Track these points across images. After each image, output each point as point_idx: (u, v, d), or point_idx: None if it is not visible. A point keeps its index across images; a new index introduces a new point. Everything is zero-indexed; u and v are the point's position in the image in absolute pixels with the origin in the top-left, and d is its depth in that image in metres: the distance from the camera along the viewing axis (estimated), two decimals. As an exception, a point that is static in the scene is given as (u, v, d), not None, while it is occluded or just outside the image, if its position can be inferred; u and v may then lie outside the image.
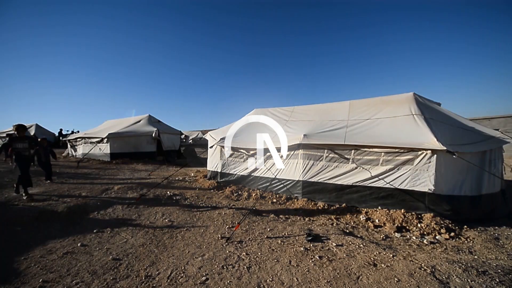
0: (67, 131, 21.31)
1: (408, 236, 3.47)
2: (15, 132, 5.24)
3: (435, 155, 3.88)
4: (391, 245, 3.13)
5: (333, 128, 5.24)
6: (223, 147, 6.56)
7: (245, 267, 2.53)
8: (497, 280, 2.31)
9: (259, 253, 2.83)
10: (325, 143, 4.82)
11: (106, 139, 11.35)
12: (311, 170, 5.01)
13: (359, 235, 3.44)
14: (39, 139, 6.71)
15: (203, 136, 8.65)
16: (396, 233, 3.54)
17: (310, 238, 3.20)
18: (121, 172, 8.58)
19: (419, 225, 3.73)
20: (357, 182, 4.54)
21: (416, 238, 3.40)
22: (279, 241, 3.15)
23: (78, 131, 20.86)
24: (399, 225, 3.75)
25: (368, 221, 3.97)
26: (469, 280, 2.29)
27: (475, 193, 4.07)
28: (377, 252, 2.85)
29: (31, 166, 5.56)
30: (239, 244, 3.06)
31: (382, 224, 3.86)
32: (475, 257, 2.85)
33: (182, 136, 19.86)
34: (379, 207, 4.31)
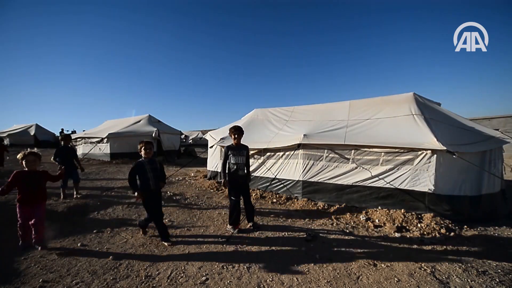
0: (67, 131, 21.33)
1: (408, 236, 3.46)
2: (233, 137, 3.42)
3: (435, 155, 3.88)
4: (391, 245, 3.13)
5: (333, 128, 5.24)
6: (223, 147, 6.56)
7: (245, 267, 2.53)
8: (497, 280, 2.31)
9: (259, 253, 2.83)
10: (325, 143, 4.82)
11: (106, 139, 11.34)
12: (311, 170, 5.01)
13: (359, 235, 3.44)
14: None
15: (203, 136, 8.65)
16: (396, 233, 3.54)
17: (310, 238, 3.20)
18: (121, 172, 8.57)
19: (419, 225, 3.72)
20: (357, 182, 4.54)
21: (416, 238, 3.40)
22: (279, 241, 3.15)
23: (74, 131, 20.88)
24: (399, 225, 3.75)
25: (368, 221, 3.97)
26: (469, 280, 2.29)
27: (475, 193, 4.07)
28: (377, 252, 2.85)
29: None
30: (239, 244, 3.06)
31: (382, 224, 3.85)
32: (475, 257, 2.85)
33: (182, 136, 19.85)
34: (379, 207, 4.31)
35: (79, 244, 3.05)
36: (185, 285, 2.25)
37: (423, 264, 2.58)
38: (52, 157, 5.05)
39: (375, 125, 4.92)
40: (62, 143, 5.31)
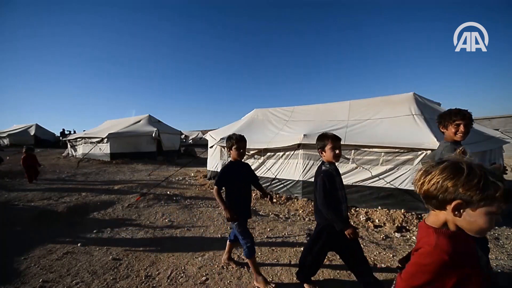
0: (68, 131, 21.37)
1: (408, 236, 3.46)
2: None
3: (435, 155, 3.88)
4: (391, 245, 3.13)
5: (333, 128, 5.23)
6: (223, 147, 6.56)
7: (245, 267, 2.53)
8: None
9: (259, 253, 2.82)
10: (325, 143, 4.81)
11: (106, 139, 11.35)
12: (311, 170, 5.01)
13: (359, 235, 3.44)
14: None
15: (203, 136, 8.66)
16: (396, 233, 3.54)
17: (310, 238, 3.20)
18: (121, 172, 8.58)
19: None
20: (357, 182, 4.54)
21: (416, 238, 3.40)
22: (279, 241, 3.15)
23: (73, 131, 20.91)
24: (399, 225, 3.75)
25: (368, 221, 3.97)
26: (469, 280, 2.28)
27: (475, 193, 4.06)
28: (377, 252, 2.85)
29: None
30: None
31: (382, 224, 3.85)
32: (475, 257, 2.84)
33: (182, 136, 19.85)
34: (379, 207, 4.30)
35: (79, 244, 3.04)
36: (185, 285, 2.25)
37: (423, 264, 2.57)
38: (215, 186, 2.19)
39: (375, 125, 4.92)
40: (230, 153, 2.31)
